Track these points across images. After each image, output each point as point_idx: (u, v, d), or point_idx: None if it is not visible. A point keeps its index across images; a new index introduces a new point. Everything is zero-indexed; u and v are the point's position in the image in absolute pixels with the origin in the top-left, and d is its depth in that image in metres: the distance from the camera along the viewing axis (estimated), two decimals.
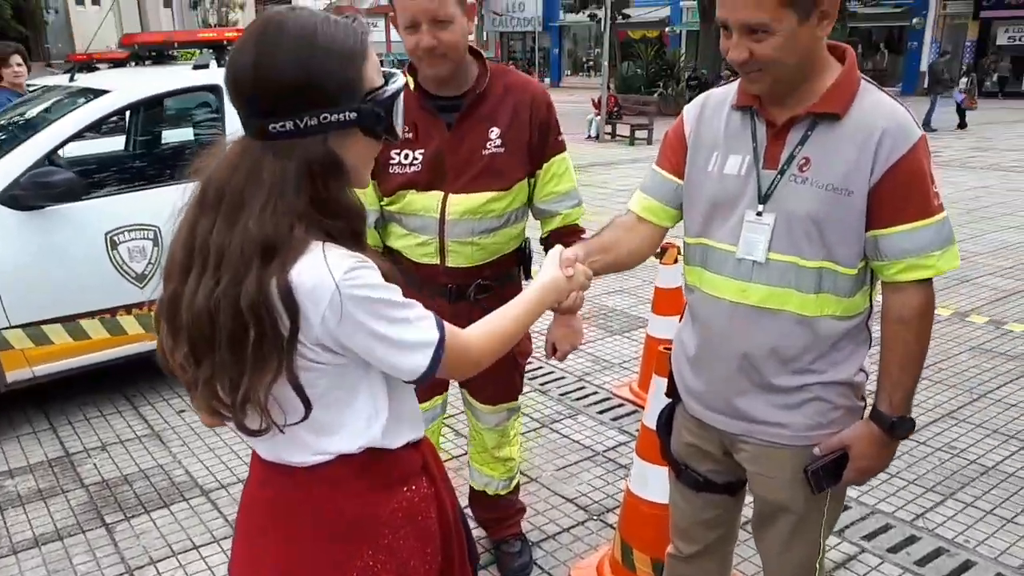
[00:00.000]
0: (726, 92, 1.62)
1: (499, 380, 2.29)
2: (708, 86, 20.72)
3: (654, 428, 1.93)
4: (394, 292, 1.15)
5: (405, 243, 2.14)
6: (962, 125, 16.99)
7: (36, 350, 3.46)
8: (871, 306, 1.58)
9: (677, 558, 1.93)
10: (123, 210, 3.71)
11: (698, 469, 1.77)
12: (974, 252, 6.72)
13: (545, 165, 2.17)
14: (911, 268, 1.46)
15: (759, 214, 1.51)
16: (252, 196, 1.08)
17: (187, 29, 12.30)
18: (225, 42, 4.54)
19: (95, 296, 3.60)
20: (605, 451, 3.45)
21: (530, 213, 2.28)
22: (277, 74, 1.08)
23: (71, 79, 4.62)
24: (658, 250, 1.96)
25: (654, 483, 2.33)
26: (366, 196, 2.02)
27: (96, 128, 4.06)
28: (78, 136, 3.75)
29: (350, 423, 1.19)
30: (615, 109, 17.04)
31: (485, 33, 37.98)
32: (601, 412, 3.85)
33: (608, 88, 17.23)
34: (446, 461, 3.26)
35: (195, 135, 5.59)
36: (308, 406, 1.13)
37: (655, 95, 21.18)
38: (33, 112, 4.34)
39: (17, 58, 5.53)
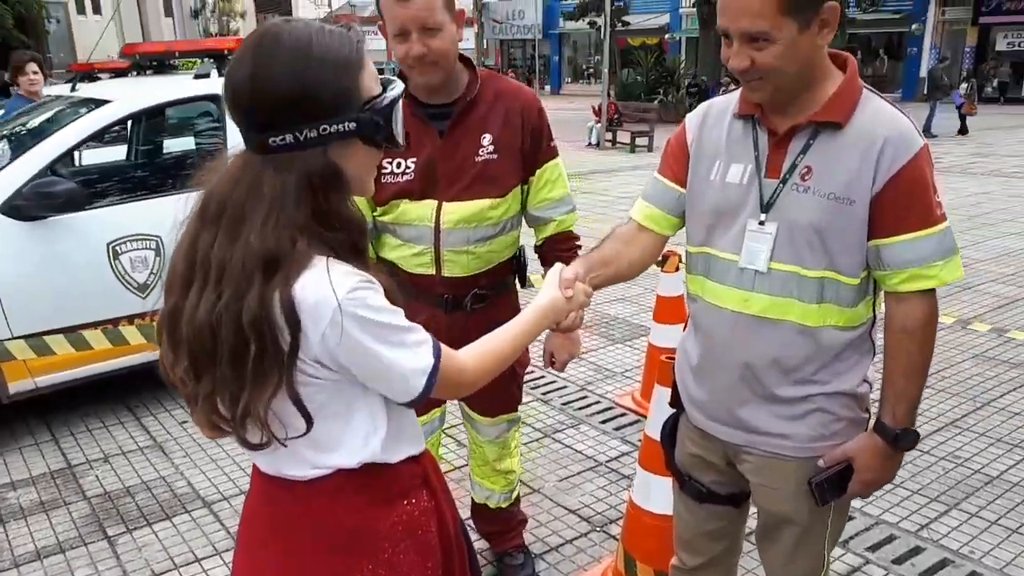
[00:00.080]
0: (728, 101, 1.62)
1: (497, 392, 2.24)
2: (708, 93, 20.85)
3: (657, 438, 1.93)
4: (396, 315, 1.15)
5: (399, 254, 2.12)
6: (963, 131, 17.00)
7: (38, 361, 3.45)
8: (874, 316, 1.57)
9: (681, 570, 1.92)
10: (125, 220, 3.72)
11: (702, 480, 1.77)
12: (976, 259, 6.71)
13: (538, 171, 2.16)
14: (913, 278, 1.45)
15: (761, 223, 1.51)
16: (253, 210, 1.08)
17: (188, 38, 12.36)
18: (226, 52, 4.54)
19: (97, 306, 3.60)
20: (608, 461, 3.44)
21: (523, 221, 2.27)
22: (274, 87, 1.08)
23: (73, 89, 4.63)
24: (659, 258, 1.96)
25: (657, 494, 2.32)
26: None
27: (98, 138, 4.07)
28: (80, 146, 3.76)
29: (348, 439, 1.19)
30: (615, 116, 17.06)
31: (485, 41, 38.05)
32: (603, 422, 3.84)
33: (608, 95, 17.27)
34: (448, 472, 3.26)
35: (196, 144, 5.60)
36: (309, 421, 1.13)
37: (655, 102, 21.22)
38: (35, 122, 4.35)
39: (33, 66, 5.62)
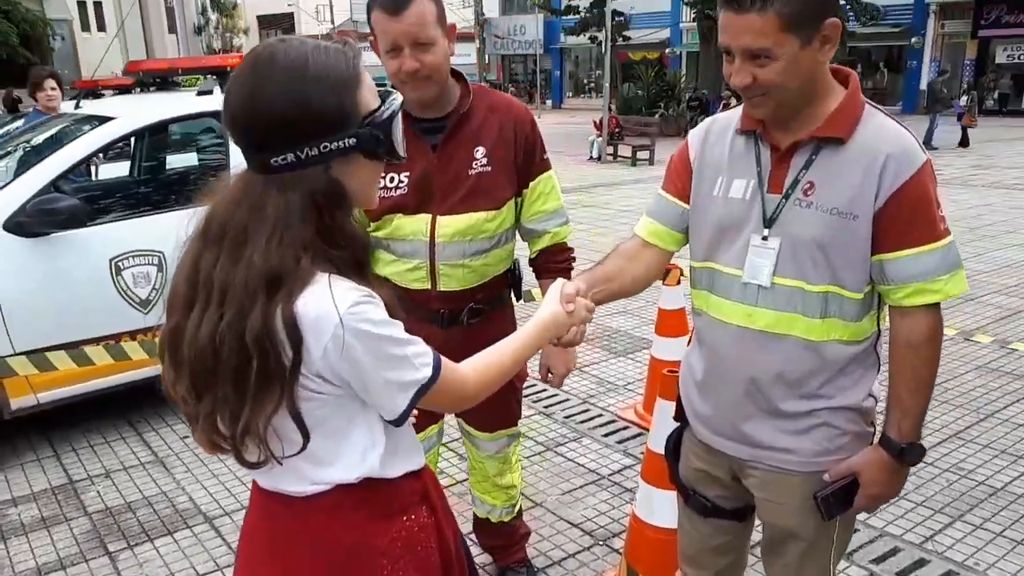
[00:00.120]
0: (730, 117, 1.63)
1: (496, 406, 2.21)
2: (709, 106, 20.89)
3: (660, 452, 1.92)
4: (396, 328, 1.15)
5: (394, 269, 2.11)
6: (964, 143, 17.02)
7: (40, 377, 3.46)
8: (879, 330, 1.57)
9: None
10: (127, 236, 3.73)
11: (706, 494, 1.76)
12: (977, 271, 6.70)
13: (532, 184, 2.16)
14: (918, 293, 1.45)
15: (764, 238, 1.51)
16: (256, 231, 1.08)
17: (192, 55, 12.43)
18: (228, 68, 4.58)
19: (99, 322, 3.61)
20: (610, 475, 3.43)
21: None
22: (270, 108, 1.08)
23: (77, 106, 4.66)
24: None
25: (660, 508, 2.31)
26: None
27: (102, 154, 4.09)
28: (84, 163, 3.78)
29: (347, 454, 1.19)
30: (617, 130, 17.11)
31: (487, 56, 38.26)
32: (606, 435, 3.83)
33: (609, 109, 17.35)
34: (450, 486, 3.25)
35: (199, 160, 5.63)
36: (306, 437, 1.13)
37: (656, 116, 21.32)
38: (39, 139, 4.37)
39: (51, 82, 5.72)
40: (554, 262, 2.25)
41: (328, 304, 1.07)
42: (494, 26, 38.27)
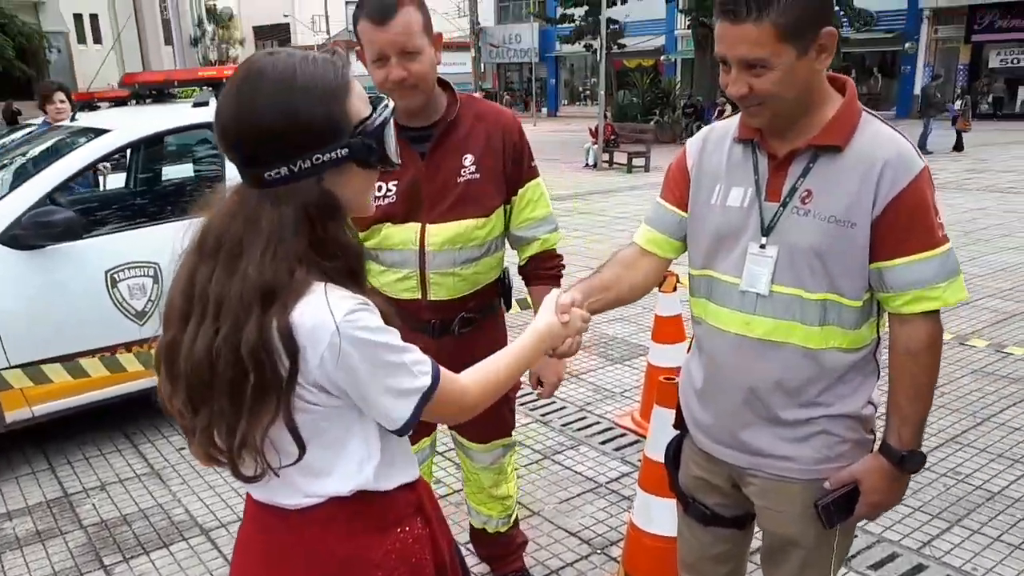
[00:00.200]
0: (728, 126, 1.63)
1: (489, 417, 2.15)
2: (703, 113, 20.91)
3: (658, 459, 1.92)
4: (393, 336, 1.14)
5: (384, 280, 2.10)
6: (958, 147, 17.09)
7: (35, 389, 3.44)
8: (878, 337, 1.57)
9: None
10: (123, 247, 3.72)
11: (706, 502, 1.76)
12: (973, 274, 6.71)
13: (520, 191, 2.16)
14: (917, 300, 1.45)
15: (762, 246, 1.51)
16: (251, 244, 1.08)
17: (188, 66, 12.46)
18: (224, 79, 4.58)
19: (95, 334, 3.59)
20: (608, 483, 3.42)
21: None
22: (258, 120, 1.08)
23: (72, 118, 4.66)
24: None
25: (657, 515, 2.30)
26: None
27: (108, 164, 4.10)
28: (80, 175, 3.78)
29: (342, 465, 1.18)
30: (612, 137, 17.16)
31: (483, 65, 38.36)
32: (603, 443, 3.82)
33: (605, 117, 17.40)
34: (447, 496, 3.24)
35: (195, 172, 5.63)
36: (302, 448, 1.13)
37: (651, 123, 21.37)
38: (35, 151, 4.37)
39: (60, 95, 5.76)
40: (544, 269, 2.25)
41: (324, 313, 1.07)
42: (489, 35, 38.40)
